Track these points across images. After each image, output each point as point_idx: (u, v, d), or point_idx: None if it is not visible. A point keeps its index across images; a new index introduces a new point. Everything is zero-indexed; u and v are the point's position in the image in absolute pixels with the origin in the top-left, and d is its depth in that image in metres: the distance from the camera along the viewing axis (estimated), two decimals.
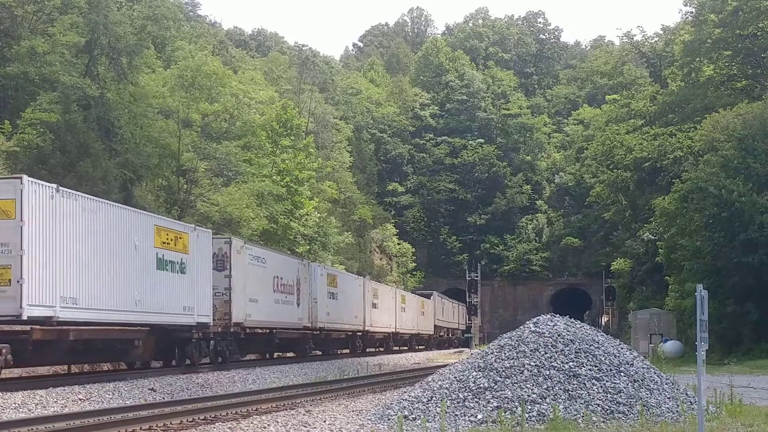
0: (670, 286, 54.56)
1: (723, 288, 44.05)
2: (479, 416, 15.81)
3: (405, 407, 16.81)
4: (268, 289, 36.37)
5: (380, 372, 36.26)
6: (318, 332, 43.53)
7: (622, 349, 18.28)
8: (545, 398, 16.19)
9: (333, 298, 46.21)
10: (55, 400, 19.44)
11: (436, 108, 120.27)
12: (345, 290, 48.78)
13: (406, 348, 65.71)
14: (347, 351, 50.22)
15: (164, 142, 49.21)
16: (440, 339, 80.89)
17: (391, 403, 17.66)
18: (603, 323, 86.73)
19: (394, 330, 60.14)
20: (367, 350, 53.51)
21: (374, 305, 55.04)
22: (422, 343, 73.03)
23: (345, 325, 48.65)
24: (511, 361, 17.19)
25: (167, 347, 28.81)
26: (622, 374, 17.06)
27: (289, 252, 51.86)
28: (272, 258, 37.81)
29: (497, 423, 15.17)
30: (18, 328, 20.62)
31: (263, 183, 55.92)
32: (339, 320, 47.08)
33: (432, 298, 77.27)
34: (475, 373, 17.20)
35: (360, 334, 51.34)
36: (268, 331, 36.78)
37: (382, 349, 59.12)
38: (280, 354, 42.74)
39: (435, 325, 76.38)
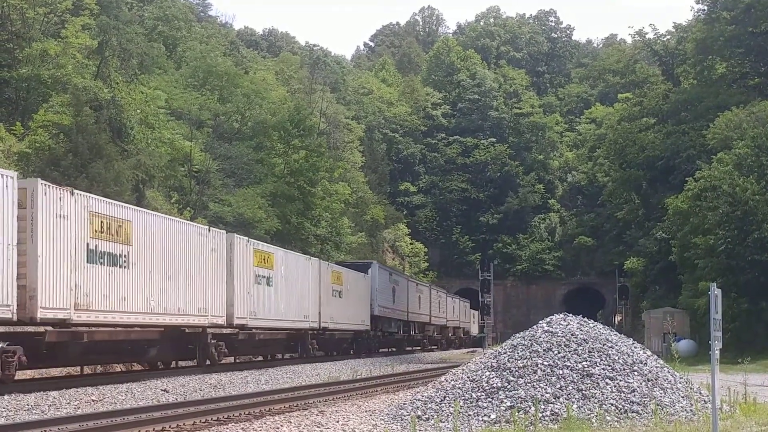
0: (683, 285, 54.38)
1: (736, 286, 43.98)
2: (492, 416, 15.74)
3: (418, 407, 16.75)
4: None
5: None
6: None
7: (635, 348, 18.16)
8: (558, 398, 16.11)
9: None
10: (68, 401, 19.42)
11: (448, 107, 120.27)
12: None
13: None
14: None
15: (176, 144, 49.27)
16: (387, 338, 52.88)
17: (404, 403, 17.60)
18: (616, 322, 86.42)
19: (241, 324, 31.78)
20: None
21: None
22: (338, 347, 44.53)
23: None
24: (525, 361, 17.11)
25: None
26: (635, 373, 16.96)
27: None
28: None
29: (510, 423, 15.11)
30: None
31: (275, 183, 55.89)
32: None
33: (371, 270, 49.68)
34: (488, 373, 17.13)
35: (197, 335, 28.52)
36: None
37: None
38: None
39: (374, 316, 48.57)
